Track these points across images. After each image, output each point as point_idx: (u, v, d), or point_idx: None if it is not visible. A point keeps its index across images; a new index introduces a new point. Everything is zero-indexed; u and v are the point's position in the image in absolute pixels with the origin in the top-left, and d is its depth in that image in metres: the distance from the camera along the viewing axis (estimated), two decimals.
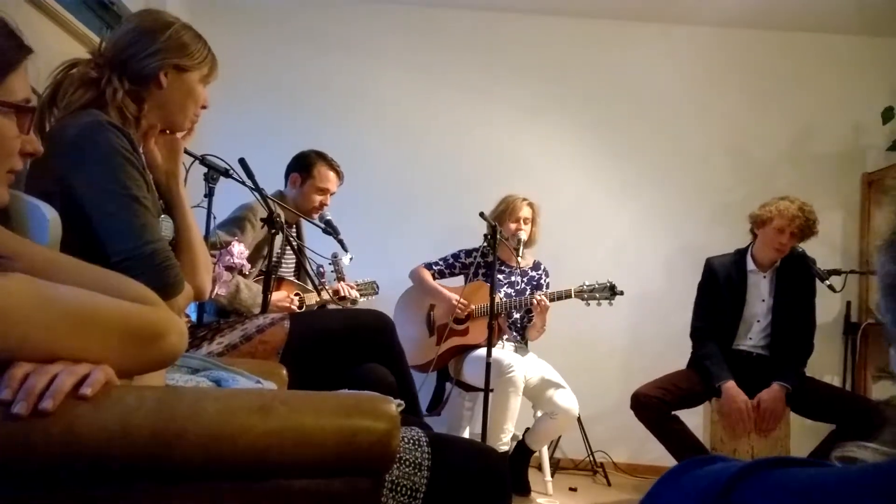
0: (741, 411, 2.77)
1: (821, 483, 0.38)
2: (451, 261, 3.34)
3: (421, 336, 3.28)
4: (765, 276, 2.99)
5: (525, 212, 3.23)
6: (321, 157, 2.85)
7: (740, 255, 3.07)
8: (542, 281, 3.32)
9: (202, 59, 1.46)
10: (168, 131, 1.49)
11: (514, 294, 3.23)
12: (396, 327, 2.35)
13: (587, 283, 2.99)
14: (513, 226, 3.19)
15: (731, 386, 2.81)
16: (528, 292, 3.24)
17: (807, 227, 2.86)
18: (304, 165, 2.83)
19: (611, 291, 2.95)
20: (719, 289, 3.02)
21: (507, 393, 2.83)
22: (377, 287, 3.18)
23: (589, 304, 2.98)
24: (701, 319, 3.07)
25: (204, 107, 1.52)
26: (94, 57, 1.39)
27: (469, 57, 3.93)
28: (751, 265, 3.01)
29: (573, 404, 2.94)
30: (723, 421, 2.89)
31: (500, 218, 3.22)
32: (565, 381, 3.01)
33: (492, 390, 2.66)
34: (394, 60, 3.92)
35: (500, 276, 3.25)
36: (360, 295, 3.03)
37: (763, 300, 2.98)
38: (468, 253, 3.32)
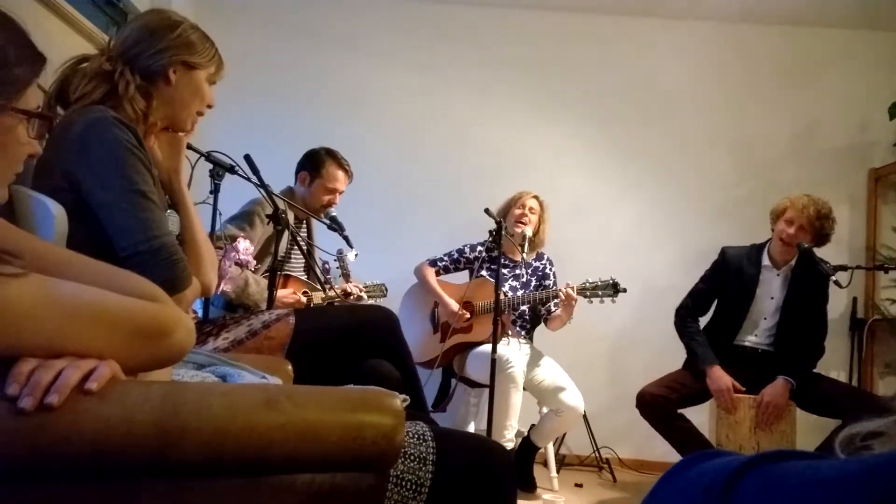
0: (724, 391, 2.81)
1: (819, 477, 0.37)
2: (455, 256, 3.33)
3: (425, 333, 3.28)
4: (778, 274, 2.96)
5: (531, 202, 3.23)
6: (331, 155, 2.83)
7: (757, 249, 3.04)
8: (547, 270, 3.31)
9: (210, 57, 1.48)
10: (169, 129, 1.50)
11: (519, 287, 3.22)
12: (401, 323, 2.34)
13: (590, 281, 2.97)
14: (518, 212, 3.19)
15: (716, 369, 2.85)
16: (533, 284, 3.24)
17: (818, 222, 2.83)
18: (313, 164, 2.81)
19: (613, 289, 2.93)
20: (729, 279, 3.00)
21: (507, 389, 2.82)
22: (385, 290, 3.15)
23: (592, 302, 2.95)
24: (692, 298, 3.09)
25: (209, 106, 1.53)
26: (104, 53, 1.39)
27: (472, 53, 3.92)
28: (766, 260, 2.98)
29: (579, 402, 2.94)
30: (718, 409, 2.89)
31: (506, 209, 3.23)
32: (571, 378, 3.01)
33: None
34: (398, 57, 3.92)
35: (505, 271, 3.24)
36: (368, 297, 3.00)
37: (772, 297, 2.96)
38: (473, 247, 3.32)
